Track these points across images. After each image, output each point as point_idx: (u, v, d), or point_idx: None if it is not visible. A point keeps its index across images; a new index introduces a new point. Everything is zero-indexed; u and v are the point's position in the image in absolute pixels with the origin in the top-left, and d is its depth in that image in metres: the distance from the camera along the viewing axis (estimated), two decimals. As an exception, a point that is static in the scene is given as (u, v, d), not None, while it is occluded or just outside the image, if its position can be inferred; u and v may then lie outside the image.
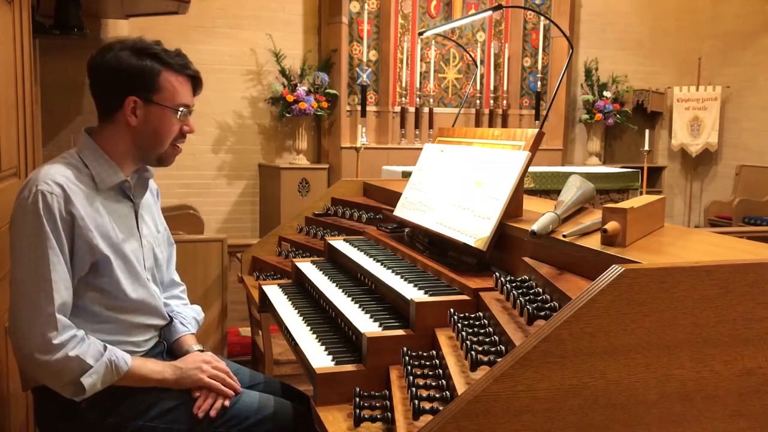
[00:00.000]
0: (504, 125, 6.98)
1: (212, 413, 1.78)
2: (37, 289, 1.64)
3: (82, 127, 1.89)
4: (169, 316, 1.99)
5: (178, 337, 2.00)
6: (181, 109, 1.82)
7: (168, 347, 2.00)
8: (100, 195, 1.78)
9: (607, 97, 7.30)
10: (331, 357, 1.70)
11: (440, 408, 1.30)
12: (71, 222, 1.69)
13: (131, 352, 1.83)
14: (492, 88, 7.02)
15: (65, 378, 1.67)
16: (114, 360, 1.71)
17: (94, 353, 1.68)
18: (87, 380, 1.66)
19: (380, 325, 1.72)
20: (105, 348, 1.72)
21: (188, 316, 2.06)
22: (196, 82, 1.89)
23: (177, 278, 2.15)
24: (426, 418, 1.31)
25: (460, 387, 1.35)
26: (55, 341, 1.63)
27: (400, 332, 1.67)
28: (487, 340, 1.47)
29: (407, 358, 1.54)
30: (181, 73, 1.84)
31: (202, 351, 1.96)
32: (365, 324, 1.74)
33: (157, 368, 1.81)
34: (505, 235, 1.87)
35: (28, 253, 1.66)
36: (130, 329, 1.84)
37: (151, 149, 1.84)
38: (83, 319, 1.73)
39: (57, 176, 1.71)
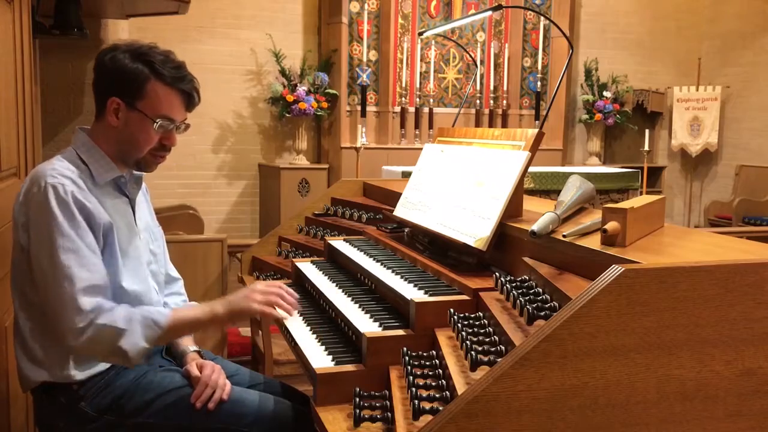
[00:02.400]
0: (504, 125, 6.97)
1: (210, 405, 1.78)
2: (59, 280, 1.65)
3: (77, 126, 1.91)
4: None
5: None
6: (158, 120, 1.79)
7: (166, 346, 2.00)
8: (99, 190, 1.80)
9: (607, 97, 7.30)
10: (331, 357, 1.70)
11: (440, 408, 1.30)
12: (87, 210, 1.71)
13: None
14: (492, 88, 7.01)
15: (104, 349, 1.67)
16: (148, 315, 1.70)
17: (123, 316, 1.67)
18: (126, 343, 1.66)
19: (380, 325, 1.72)
20: (136, 309, 1.71)
21: None
22: (189, 99, 1.85)
23: (174, 272, 2.15)
24: (426, 418, 1.31)
25: (460, 387, 1.35)
26: (80, 325, 1.64)
27: (400, 332, 1.67)
28: (487, 340, 1.47)
29: (407, 358, 1.54)
30: (172, 86, 1.80)
31: (198, 352, 1.97)
32: (365, 324, 1.74)
33: (204, 308, 1.80)
34: (505, 235, 1.87)
35: (47, 246, 1.67)
36: None
37: (127, 153, 1.84)
38: None
39: (62, 170, 1.73)
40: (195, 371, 1.85)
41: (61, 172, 1.72)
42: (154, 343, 1.71)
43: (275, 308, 1.80)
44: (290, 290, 1.86)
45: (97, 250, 1.71)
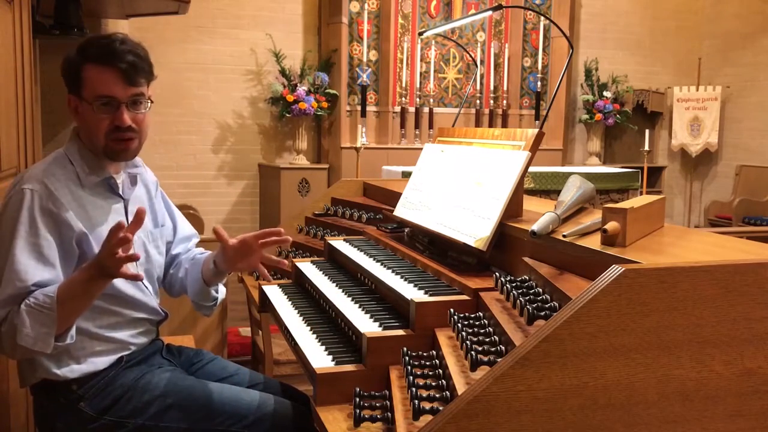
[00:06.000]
0: (504, 125, 6.97)
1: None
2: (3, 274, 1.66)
3: (72, 126, 1.92)
4: (164, 312, 1.99)
5: (204, 258, 2.02)
6: (96, 101, 1.76)
7: (199, 287, 2.01)
8: (86, 191, 1.80)
9: (607, 97, 7.30)
10: (331, 357, 1.70)
11: (440, 408, 1.30)
12: (54, 216, 1.71)
13: (126, 344, 1.84)
14: (492, 88, 7.01)
15: (8, 350, 1.66)
16: (32, 301, 1.62)
17: (15, 314, 1.62)
18: (21, 338, 1.60)
19: (380, 325, 1.72)
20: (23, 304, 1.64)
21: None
22: (125, 72, 1.76)
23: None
24: (426, 418, 1.31)
25: (460, 387, 1.35)
26: None
27: (400, 332, 1.67)
28: (487, 340, 1.47)
29: (407, 358, 1.54)
30: (101, 63, 1.76)
31: None
32: (365, 324, 1.74)
33: (83, 271, 1.66)
34: (505, 235, 1.87)
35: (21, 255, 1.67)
36: (121, 321, 1.84)
37: (95, 145, 1.82)
38: None
39: (40, 174, 1.74)
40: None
41: (36, 177, 1.73)
42: (55, 325, 1.61)
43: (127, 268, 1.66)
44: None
45: (44, 261, 1.68)
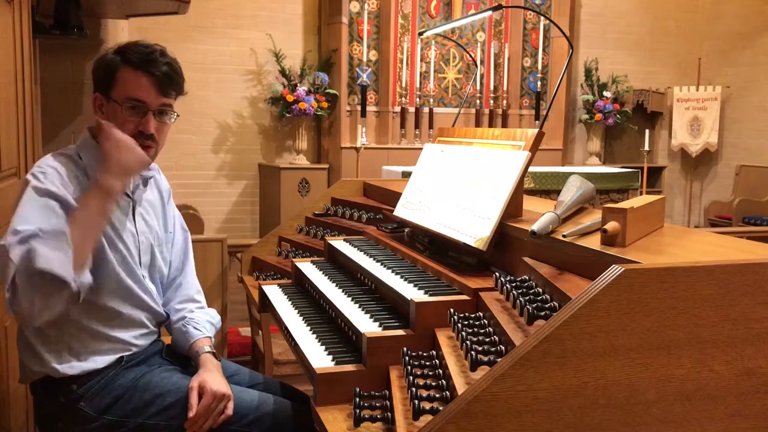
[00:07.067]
0: (504, 125, 6.97)
1: None
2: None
3: (85, 125, 1.92)
4: (167, 314, 1.99)
5: (192, 341, 1.97)
6: (126, 103, 1.77)
7: (184, 354, 1.99)
8: None
9: (607, 97, 7.30)
10: (331, 357, 1.70)
11: (440, 408, 1.30)
12: (61, 192, 1.69)
13: (128, 344, 1.84)
14: (492, 88, 7.01)
15: (26, 275, 1.54)
16: (43, 234, 1.55)
17: (30, 250, 1.54)
18: (40, 261, 1.50)
19: (380, 325, 1.72)
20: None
21: (201, 320, 2.03)
22: (159, 81, 1.80)
23: (195, 293, 2.11)
24: (426, 418, 1.31)
25: (460, 387, 1.35)
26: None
27: (400, 332, 1.67)
28: (487, 340, 1.47)
29: (407, 358, 1.54)
30: (139, 68, 1.78)
31: (213, 354, 1.95)
32: (365, 324, 1.74)
33: (85, 193, 1.68)
34: (505, 235, 1.87)
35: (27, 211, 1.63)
36: (123, 320, 1.84)
37: None
38: (74, 309, 1.72)
39: (50, 162, 1.75)
40: (194, 399, 1.77)
41: (47, 163, 1.74)
42: (70, 249, 1.54)
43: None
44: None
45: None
